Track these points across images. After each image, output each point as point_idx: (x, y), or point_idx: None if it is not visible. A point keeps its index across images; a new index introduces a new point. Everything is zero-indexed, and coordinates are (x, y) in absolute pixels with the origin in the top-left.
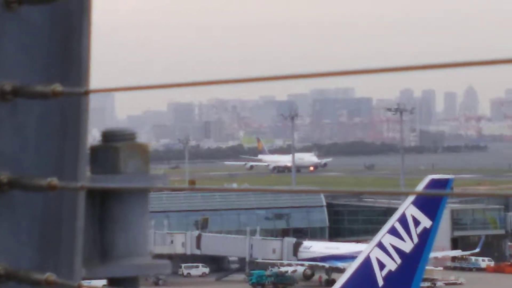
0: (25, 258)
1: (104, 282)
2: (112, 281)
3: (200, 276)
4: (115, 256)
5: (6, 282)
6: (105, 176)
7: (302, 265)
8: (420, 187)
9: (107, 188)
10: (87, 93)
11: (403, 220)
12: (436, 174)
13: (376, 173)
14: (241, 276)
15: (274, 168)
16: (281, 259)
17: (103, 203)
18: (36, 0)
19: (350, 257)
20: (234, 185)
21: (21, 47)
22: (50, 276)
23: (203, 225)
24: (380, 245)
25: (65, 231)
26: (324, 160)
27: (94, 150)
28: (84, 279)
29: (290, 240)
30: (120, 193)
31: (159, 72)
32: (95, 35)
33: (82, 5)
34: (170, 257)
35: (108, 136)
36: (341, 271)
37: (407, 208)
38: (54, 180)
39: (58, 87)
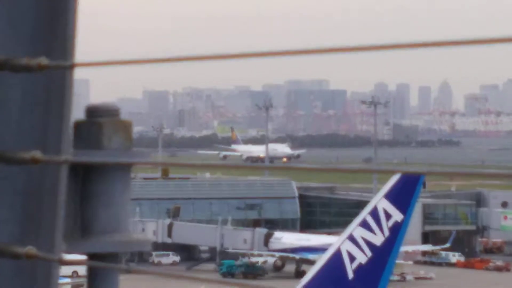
0: (6, 231)
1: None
2: (92, 256)
3: (171, 264)
4: (96, 231)
5: None
6: (88, 151)
7: (272, 256)
8: (392, 181)
9: (90, 163)
10: (72, 66)
11: (374, 214)
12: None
13: (349, 166)
14: (211, 266)
15: (248, 158)
16: (252, 250)
17: (85, 178)
18: None
19: (321, 249)
20: (207, 175)
21: (6, 21)
22: (30, 249)
23: (175, 214)
24: (351, 238)
25: (46, 205)
26: (297, 152)
27: (78, 125)
28: (64, 253)
29: (261, 231)
30: (103, 168)
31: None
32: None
33: None
34: None
35: (92, 112)
36: (311, 262)
37: (379, 201)
38: (37, 154)
39: (43, 61)
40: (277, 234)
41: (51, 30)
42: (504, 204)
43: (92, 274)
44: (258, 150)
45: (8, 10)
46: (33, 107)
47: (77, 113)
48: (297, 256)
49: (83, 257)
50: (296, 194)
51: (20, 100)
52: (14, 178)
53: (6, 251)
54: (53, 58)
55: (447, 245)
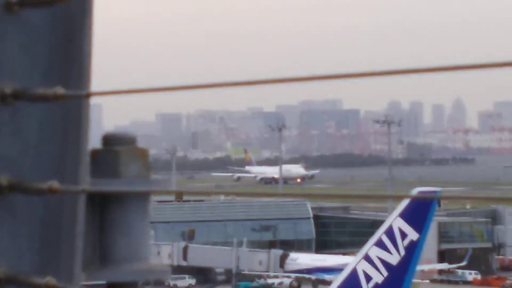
0: (25, 262)
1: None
2: (111, 286)
3: (186, 287)
4: (115, 260)
5: (6, 286)
6: (106, 180)
7: (288, 277)
8: (407, 200)
9: (107, 192)
10: (88, 96)
11: (390, 233)
12: (423, 186)
13: (363, 185)
14: None
15: (261, 179)
16: (268, 271)
17: (103, 207)
18: (38, 2)
19: (337, 269)
20: (221, 197)
21: (22, 50)
22: (50, 280)
23: (190, 236)
24: (367, 258)
25: (65, 235)
26: (311, 172)
27: (95, 154)
28: (83, 283)
29: (277, 252)
30: (121, 197)
31: (152, 78)
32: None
33: (84, 8)
34: None
35: (109, 140)
36: (327, 283)
37: (394, 220)
38: (55, 184)
39: (59, 90)
40: (293, 255)
41: (67, 59)
42: None
43: None
44: (272, 171)
45: (24, 38)
46: (50, 136)
47: (91, 139)
48: (313, 277)
49: (102, 287)
50: (311, 215)
51: (37, 130)
52: (32, 208)
53: (25, 282)
54: (69, 87)
55: (464, 263)
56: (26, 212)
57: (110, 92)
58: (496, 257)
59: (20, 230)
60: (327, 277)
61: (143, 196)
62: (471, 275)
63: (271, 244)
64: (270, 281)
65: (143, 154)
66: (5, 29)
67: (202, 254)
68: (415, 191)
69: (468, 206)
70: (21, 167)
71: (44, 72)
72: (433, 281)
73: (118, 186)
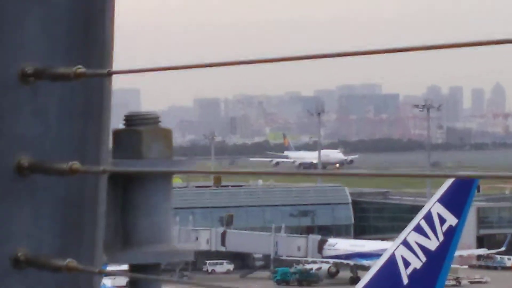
0: (46, 243)
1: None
2: (133, 267)
3: (224, 273)
4: (137, 242)
5: (26, 268)
6: (128, 161)
7: (327, 262)
8: (446, 185)
9: (129, 172)
10: (109, 74)
11: (428, 218)
12: (463, 171)
13: (403, 171)
14: (265, 273)
15: (300, 164)
16: (306, 257)
17: (125, 188)
18: None
19: (375, 255)
20: (260, 182)
21: (43, 29)
22: (70, 262)
23: (228, 222)
24: (405, 243)
25: (86, 216)
26: (350, 157)
27: (117, 134)
28: (105, 265)
29: (315, 238)
30: (143, 178)
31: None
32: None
33: None
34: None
35: (131, 120)
36: (366, 269)
37: (433, 205)
38: (76, 164)
39: (80, 69)
40: (331, 240)
41: (88, 38)
42: None
43: (134, 285)
44: (310, 156)
45: (44, 17)
46: (71, 116)
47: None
48: (352, 263)
49: (124, 268)
50: (349, 200)
51: (58, 110)
52: (53, 189)
53: (46, 264)
54: (91, 66)
55: (502, 248)
56: (47, 193)
57: (131, 70)
58: None
59: (41, 211)
60: (365, 262)
61: (166, 177)
62: (510, 260)
63: (309, 230)
64: (308, 266)
65: (165, 134)
66: (26, 8)
67: (240, 240)
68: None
69: (507, 192)
70: (42, 147)
71: (65, 51)
72: (472, 266)
73: (140, 166)
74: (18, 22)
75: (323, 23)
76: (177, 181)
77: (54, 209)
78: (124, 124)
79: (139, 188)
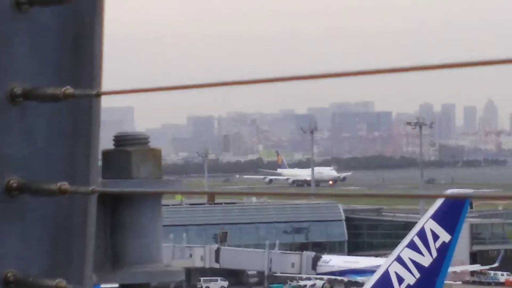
0: (35, 264)
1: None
2: (123, 287)
3: None
4: (127, 262)
5: None
6: (117, 181)
7: (321, 279)
8: (439, 202)
9: (119, 193)
10: (98, 95)
11: (422, 234)
12: (455, 188)
13: (396, 188)
14: None
15: (293, 182)
16: (300, 273)
17: (114, 208)
18: (47, 1)
19: (369, 271)
20: (253, 199)
21: (32, 49)
22: (60, 282)
23: (222, 239)
24: (399, 259)
25: (76, 236)
26: (343, 174)
27: (106, 154)
28: (95, 285)
29: (309, 254)
30: (132, 198)
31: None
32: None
33: (94, 6)
34: (188, 270)
35: (120, 140)
36: (360, 285)
37: (426, 222)
38: (65, 184)
39: (69, 89)
40: (325, 257)
41: (77, 58)
42: None
43: None
44: (304, 174)
45: (33, 37)
46: (60, 136)
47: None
48: (346, 279)
49: None
50: (343, 217)
51: (47, 130)
52: (42, 210)
53: (35, 285)
54: (79, 86)
55: (496, 264)
56: (36, 213)
57: (121, 91)
58: None
59: (30, 232)
60: (359, 279)
61: (155, 197)
62: (504, 276)
63: (303, 246)
64: (302, 283)
65: (155, 154)
66: (14, 28)
67: (234, 257)
68: (447, 193)
69: (500, 208)
70: (31, 168)
71: (53, 72)
72: (466, 282)
73: (130, 187)
74: (6, 42)
75: (318, 37)
76: (178, 199)
77: (43, 229)
78: (114, 144)
79: (128, 208)
